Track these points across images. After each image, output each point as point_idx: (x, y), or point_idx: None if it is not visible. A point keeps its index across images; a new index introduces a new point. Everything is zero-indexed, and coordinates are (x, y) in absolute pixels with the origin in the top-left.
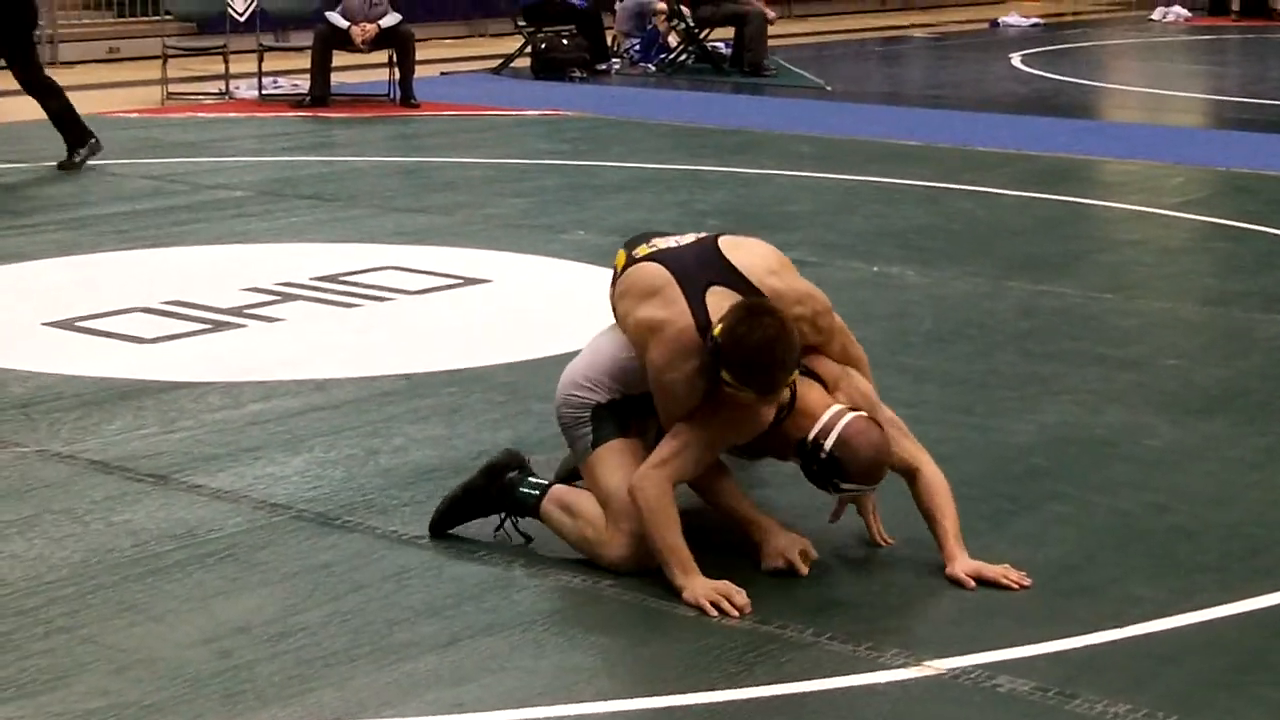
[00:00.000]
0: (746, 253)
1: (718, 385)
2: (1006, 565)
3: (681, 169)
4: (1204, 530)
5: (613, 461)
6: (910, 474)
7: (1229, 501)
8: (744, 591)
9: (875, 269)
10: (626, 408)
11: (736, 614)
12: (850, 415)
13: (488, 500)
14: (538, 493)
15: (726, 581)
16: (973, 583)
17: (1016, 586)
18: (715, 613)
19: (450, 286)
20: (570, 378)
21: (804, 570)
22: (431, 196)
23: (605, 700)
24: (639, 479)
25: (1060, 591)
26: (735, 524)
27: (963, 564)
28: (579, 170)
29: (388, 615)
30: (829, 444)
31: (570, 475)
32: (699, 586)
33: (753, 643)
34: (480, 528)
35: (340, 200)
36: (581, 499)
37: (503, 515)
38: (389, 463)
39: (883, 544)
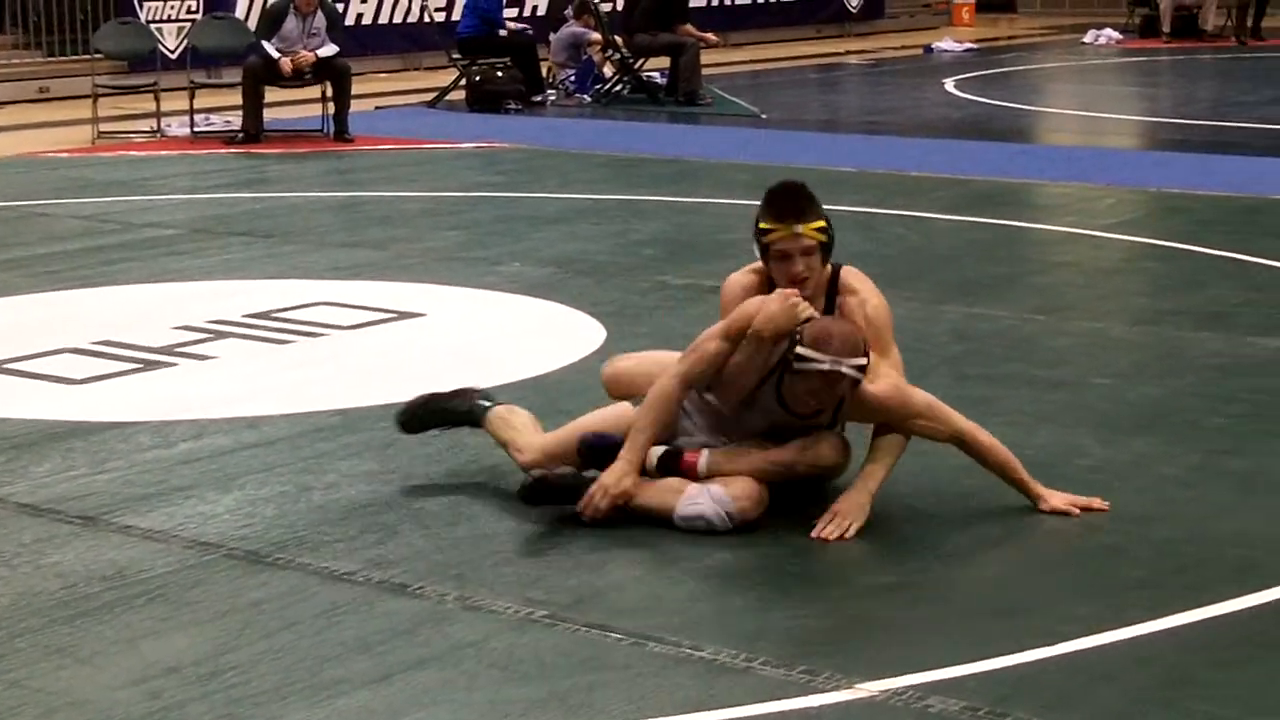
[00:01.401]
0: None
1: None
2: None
3: (618, 199)
4: (1135, 548)
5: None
6: (961, 441)
7: (1160, 519)
8: (631, 497)
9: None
10: None
11: (595, 510)
12: None
13: (451, 413)
14: (489, 404)
15: (626, 490)
16: (1076, 510)
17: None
18: (591, 501)
19: (384, 321)
20: None
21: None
22: (366, 231)
23: None
24: (661, 377)
25: (992, 611)
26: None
27: (1056, 497)
28: (514, 202)
29: (319, 652)
30: (799, 329)
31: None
32: (609, 475)
33: (686, 669)
34: (407, 566)
35: (274, 237)
36: (520, 414)
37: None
38: (321, 499)
39: (821, 536)
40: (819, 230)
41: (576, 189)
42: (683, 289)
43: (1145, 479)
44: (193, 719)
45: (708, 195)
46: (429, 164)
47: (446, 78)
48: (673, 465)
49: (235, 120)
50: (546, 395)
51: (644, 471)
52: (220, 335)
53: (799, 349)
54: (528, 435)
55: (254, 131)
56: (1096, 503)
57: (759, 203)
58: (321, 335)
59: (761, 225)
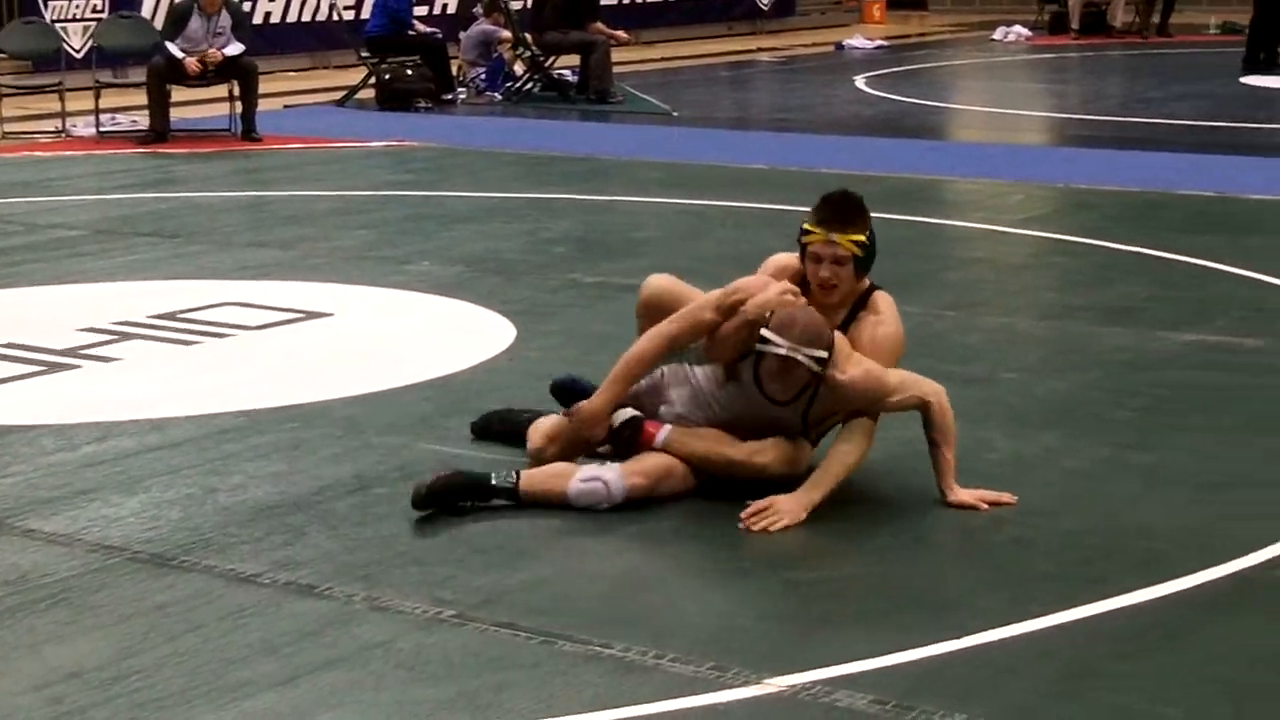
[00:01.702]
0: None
1: None
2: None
3: (528, 197)
4: (1041, 541)
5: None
6: (924, 406)
7: (1066, 512)
8: (595, 440)
9: None
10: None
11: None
12: None
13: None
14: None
15: (594, 433)
16: (984, 505)
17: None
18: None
19: (291, 321)
20: None
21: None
22: (274, 231)
23: None
24: (647, 334)
25: (900, 605)
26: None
27: (964, 493)
28: (425, 201)
29: (225, 654)
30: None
31: None
32: (584, 411)
33: (595, 667)
34: (314, 568)
35: (180, 237)
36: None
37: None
38: (227, 501)
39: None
40: (856, 243)
41: (487, 187)
42: (594, 287)
43: (1052, 473)
44: None
45: (619, 193)
46: (338, 163)
47: (356, 76)
48: (634, 432)
49: (142, 120)
50: (455, 395)
51: (614, 436)
52: (125, 337)
53: (763, 330)
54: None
55: (160, 131)
56: (1005, 497)
57: (666, 199)
58: (228, 336)
59: (805, 225)
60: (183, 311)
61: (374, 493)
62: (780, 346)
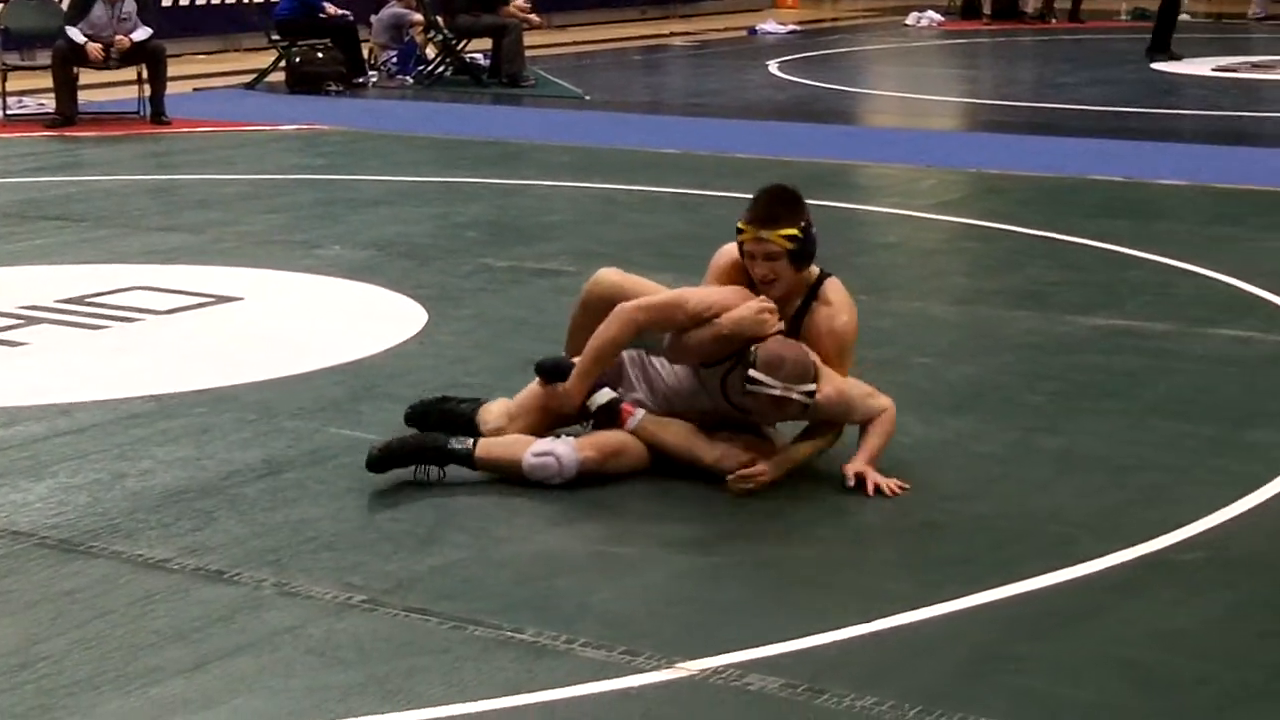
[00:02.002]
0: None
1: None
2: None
3: (440, 181)
4: (951, 524)
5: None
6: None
7: (977, 496)
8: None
9: None
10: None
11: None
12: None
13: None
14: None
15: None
16: (852, 480)
17: (889, 492)
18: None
19: (200, 305)
20: None
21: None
22: (183, 215)
23: (357, 718)
24: (617, 318)
25: (810, 589)
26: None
27: (855, 465)
28: (335, 185)
29: (133, 640)
30: (755, 348)
31: None
32: (561, 397)
33: (507, 652)
34: (223, 553)
35: (88, 221)
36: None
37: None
38: (136, 486)
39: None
40: (786, 238)
41: (398, 171)
42: (505, 271)
43: (963, 457)
44: (3, 710)
45: (531, 177)
46: (248, 147)
47: (266, 59)
48: (612, 415)
49: (50, 103)
50: (366, 379)
51: (586, 414)
52: (32, 321)
53: (751, 372)
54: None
55: (67, 115)
56: (895, 487)
57: (578, 184)
58: (136, 320)
59: (738, 224)
60: (90, 296)
61: (284, 477)
62: (774, 388)
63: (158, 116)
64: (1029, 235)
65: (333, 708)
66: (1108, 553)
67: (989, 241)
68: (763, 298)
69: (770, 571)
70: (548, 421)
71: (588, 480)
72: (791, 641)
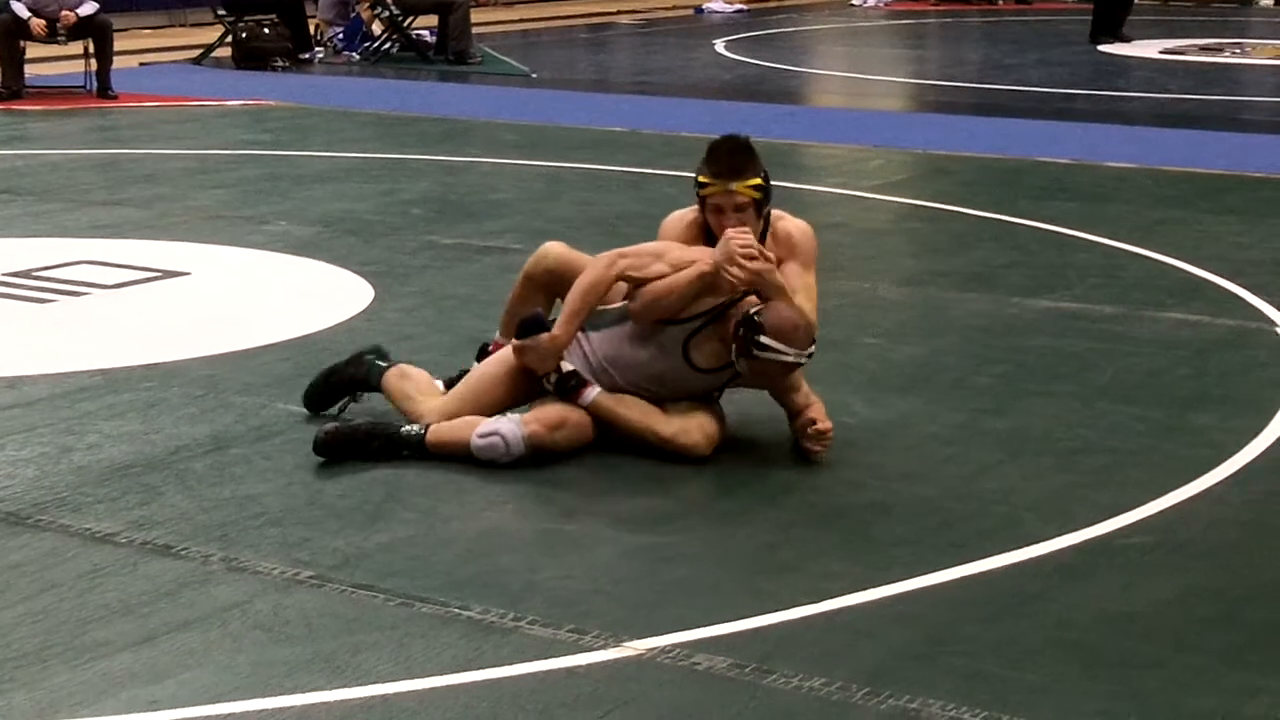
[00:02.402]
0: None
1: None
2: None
3: (386, 158)
4: (899, 506)
5: (489, 364)
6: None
7: (924, 477)
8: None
9: None
10: None
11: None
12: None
13: (348, 382)
14: (385, 365)
15: (547, 365)
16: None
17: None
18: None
19: (147, 280)
20: None
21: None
22: (129, 189)
23: (304, 693)
24: (596, 264)
25: (758, 570)
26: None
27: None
28: (281, 160)
29: (81, 614)
30: (756, 311)
31: None
32: (547, 341)
33: (454, 629)
34: (171, 528)
35: (34, 194)
36: (417, 372)
37: (349, 396)
38: (83, 460)
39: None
40: (753, 187)
41: (344, 148)
42: (451, 248)
43: (910, 438)
44: None
45: (477, 155)
46: (194, 122)
47: (212, 34)
48: (578, 384)
49: None
50: (313, 355)
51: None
52: None
53: (763, 338)
54: (426, 400)
55: (14, 89)
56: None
57: (525, 161)
58: (83, 294)
59: (700, 179)
60: (37, 269)
61: (231, 453)
62: (786, 354)
63: (104, 91)
64: (976, 217)
65: (280, 683)
66: (1056, 535)
67: (936, 223)
68: (743, 228)
69: (718, 551)
70: (498, 399)
71: (538, 458)
72: (739, 621)
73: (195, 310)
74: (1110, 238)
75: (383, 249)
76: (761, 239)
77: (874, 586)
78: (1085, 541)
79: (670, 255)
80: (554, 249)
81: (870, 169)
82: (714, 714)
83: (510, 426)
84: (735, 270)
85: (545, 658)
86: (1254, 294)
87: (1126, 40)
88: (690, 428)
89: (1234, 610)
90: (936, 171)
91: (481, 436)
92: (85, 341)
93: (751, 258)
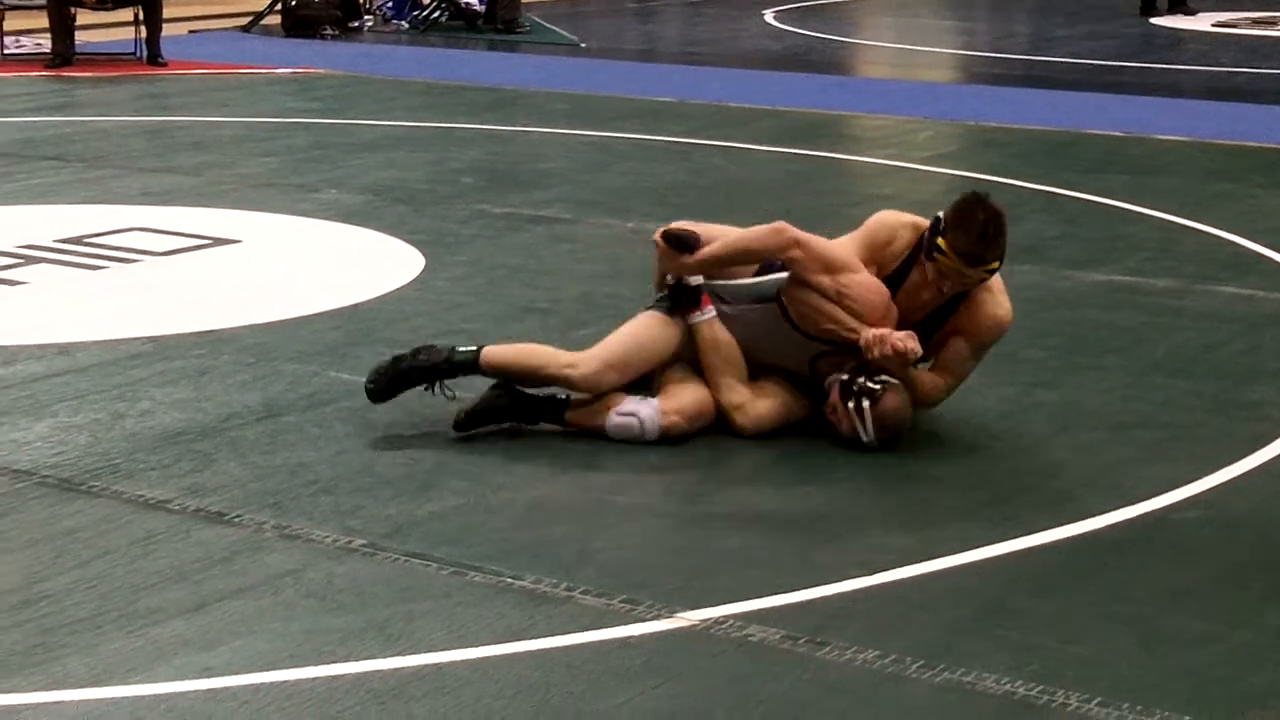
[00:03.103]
0: None
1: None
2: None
3: (435, 127)
4: (951, 479)
5: (640, 321)
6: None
7: (976, 450)
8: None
9: (630, 225)
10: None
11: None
12: None
13: (417, 372)
14: (474, 348)
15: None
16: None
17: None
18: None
19: (198, 248)
20: None
21: None
22: (179, 156)
23: (357, 661)
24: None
25: (812, 541)
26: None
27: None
28: (331, 129)
29: (134, 580)
30: (882, 384)
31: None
32: (685, 259)
33: (506, 598)
34: (223, 494)
35: (85, 161)
36: (522, 343)
37: (430, 382)
38: (135, 426)
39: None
40: (989, 271)
41: (393, 116)
42: (501, 218)
43: (962, 411)
44: (4, 648)
45: (525, 124)
46: (243, 89)
47: (262, 2)
48: (691, 297)
49: (47, 43)
50: (363, 324)
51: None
52: (31, 260)
53: (865, 407)
54: (564, 354)
55: (64, 55)
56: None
57: (574, 131)
58: (135, 261)
59: (947, 248)
60: (89, 236)
61: (283, 420)
62: (866, 435)
63: (154, 58)
64: (1027, 189)
65: (333, 651)
66: (1109, 510)
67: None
68: (909, 335)
69: (771, 523)
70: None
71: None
72: (793, 593)
73: (246, 278)
74: (1163, 211)
75: (432, 218)
76: (956, 301)
77: (927, 559)
78: (1139, 516)
79: (841, 279)
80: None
81: (920, 140)
82: (767, 686)
83: (649, 412)
84: (877, 356)
85: (598, 628)
86: None
87: (1191, 13)
88: (752, 409)
89: None
90: (986, 143)
91: (620, 415)
92: (136, 308)
93: (905, 364)
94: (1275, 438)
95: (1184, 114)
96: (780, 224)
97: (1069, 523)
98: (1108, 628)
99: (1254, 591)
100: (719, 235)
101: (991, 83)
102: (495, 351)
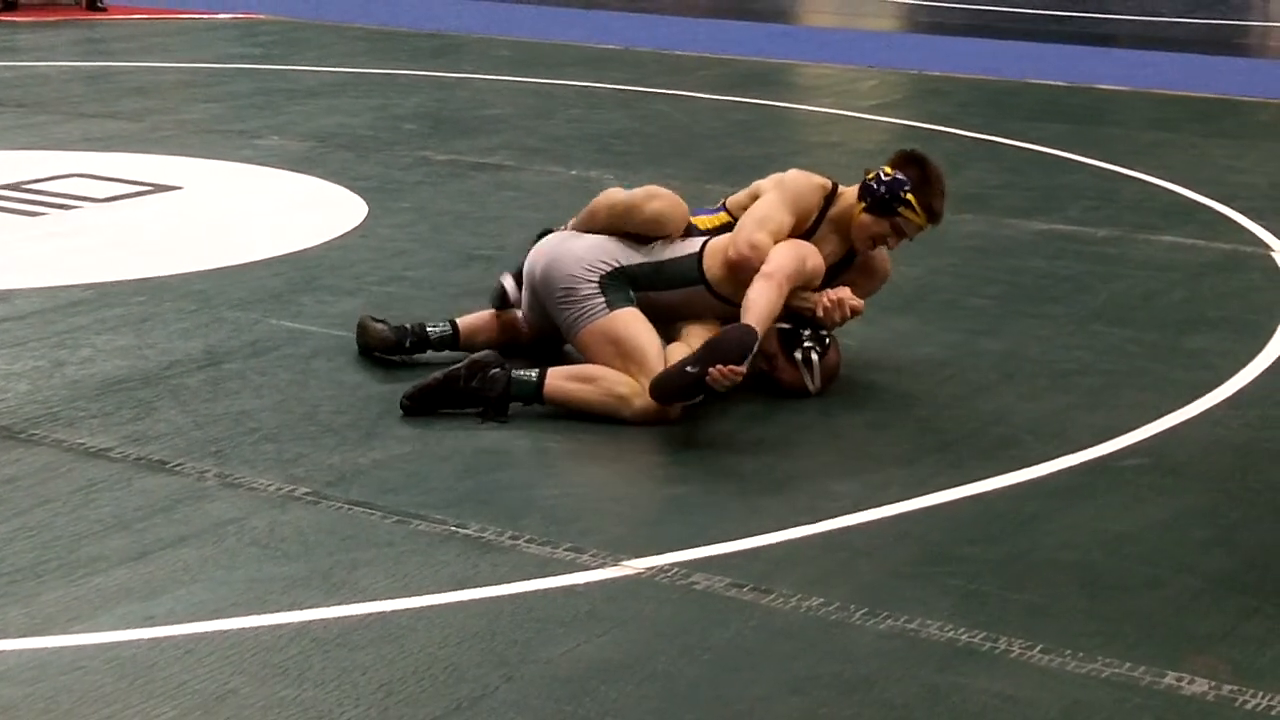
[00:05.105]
0: None
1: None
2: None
3: (378, 73)
4: (896, 426)
5: (637, 322)
6: None
7: (921, 397)
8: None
9: (573, 172)
10: (624, 281)
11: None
12: None
13: (462, 392)
14: (535, 376)
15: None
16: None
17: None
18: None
19: (139, 194)
20: (565, 260)
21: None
22: (120, 102)
23: (301, 610)
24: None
25: (756, 489)
26: None
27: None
28: (273, 74)
29: (75, 529)
30: (828, 339)
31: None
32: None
33: (450, 547)
34: (165, 443)
35: (25, 106)
36: (591, 368)
37: (482, 409)
38: (76, 374)
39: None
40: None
41: (336, 62)
42: (445, 164)
43: (906, 358)
44: None
45: (470, 70)
46: (184, 34)
47: None
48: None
49: None
50: (307, 271)
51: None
52: None
53: (814, 358)
54: (621, 386)
55: (6, 0)
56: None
57: (518, 78)
58: (74, 208)
59: (918, 205)
60: (28, 182)
61: (225, 368)
62: (813, 384)
63: (93, 3)
64: (969, 138)
65: (277, 599)
66: (1053, 457)
67: (929, 143)
68: (853, 298)
69: (715, 471)
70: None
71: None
72: (738, 541)
73: (187, 225)
74: (1103, 160)
75: (376, 164)
76: (851, 256)
77: (872, 506)
78: (1082, 463)
79: (807, 271)
80: (656, 203)
81: (863, 89)
82: (712, 633)
83: None
84: (837, 320)
85: (542, 576)
86: (1248, 218)
87: None
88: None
89: (1230, 532)
90: (930, 92)
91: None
92: (77, 255)
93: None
94: (1215, 385)
95: (1124, 64)
96: (772, 273)
97: (1012, 470)
98: (1052, 574)
99: (1195, 538)
100: (746, 202)
101: (936, 32)
102: (559, 385)
